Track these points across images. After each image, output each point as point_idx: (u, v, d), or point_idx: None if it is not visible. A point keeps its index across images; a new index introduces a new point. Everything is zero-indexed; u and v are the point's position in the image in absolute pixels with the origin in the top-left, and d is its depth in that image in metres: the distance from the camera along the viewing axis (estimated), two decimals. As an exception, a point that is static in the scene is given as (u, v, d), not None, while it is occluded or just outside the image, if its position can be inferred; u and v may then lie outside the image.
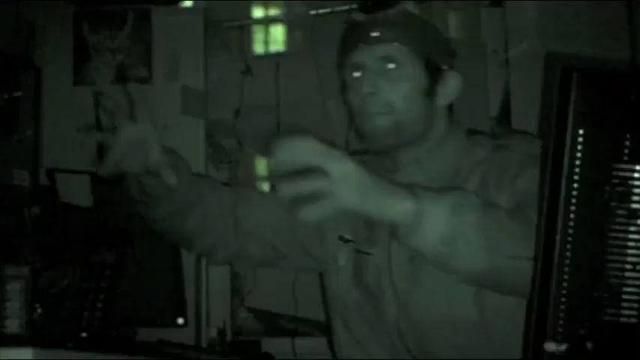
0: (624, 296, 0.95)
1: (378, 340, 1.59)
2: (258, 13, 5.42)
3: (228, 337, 3.55)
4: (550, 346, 0.94)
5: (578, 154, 0.94)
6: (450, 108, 1.62)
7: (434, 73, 1.56)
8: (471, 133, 1.65)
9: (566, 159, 0.94)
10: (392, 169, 1.59)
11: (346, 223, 1.64)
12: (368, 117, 1.53)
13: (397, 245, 1.51)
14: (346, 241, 1.63)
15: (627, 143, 0.95)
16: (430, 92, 1.56)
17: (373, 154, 1.62)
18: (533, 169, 1.42)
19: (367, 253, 1.59)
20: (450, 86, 1.58)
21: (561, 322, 0.94)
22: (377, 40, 1.53)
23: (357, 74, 1.56)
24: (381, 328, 1.58)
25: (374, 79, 1.52)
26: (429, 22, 1.61)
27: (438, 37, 1.59)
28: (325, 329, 3.30)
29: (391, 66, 1.53)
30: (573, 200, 0.94)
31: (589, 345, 0.94)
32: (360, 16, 1.57)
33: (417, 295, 1.52)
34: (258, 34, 5.05)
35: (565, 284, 0.95)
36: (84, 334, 1.92)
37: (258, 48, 5.12)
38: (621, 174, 0.95)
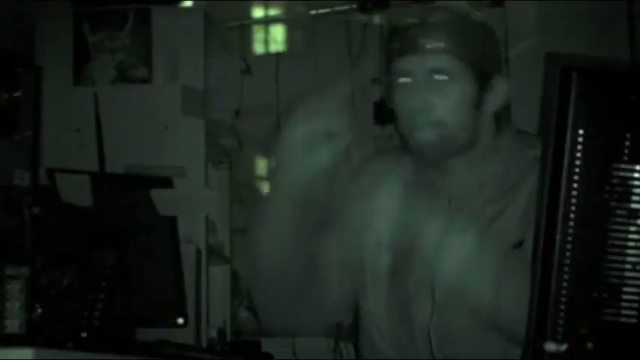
0: (624, 296, 0.95)
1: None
2: (258, 13, 5.42)
3: (228, 337, 3.56)
4: (550, 346, 0.94)
5: (578, 154, 0.94)
6: (499, 114, 1.57)
7: (484, 83, 1.52)
8: (520, 132, 1.63)
9: (566, 159, 0.94)
10: (442, 172, 1.57)
11: (383, 228, 1.62)
12: (415, 129, 1.50)
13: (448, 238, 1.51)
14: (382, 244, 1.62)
15: (627, 143, 0.95)
16: (479, 102, 1.52)
17: (417, 164, 1.60)
18: None
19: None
20: (500, 94, 1.54)
21: (561, 322, 0.94)
22: (428, 50, 1.48)
23: (404, 80, 1.51)
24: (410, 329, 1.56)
25: (424, 92, 1.48)
26: (482, 27, 1.55)
27: (490, 45, 1.55)
28: (327, 330, 3.31)
29: (442, 78, 1.48)
30: (573, 200, 0.94)
31: (589, 345, 0.94)
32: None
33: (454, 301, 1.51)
34: (258, 34, 5.05)
35: (565, 284, 0.95)
36: (84, 334, 1.92)
37: (258, 48, 5.12)
38: (621, 174, 0.95)
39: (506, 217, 1.51)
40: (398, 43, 1.53)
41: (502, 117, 1.59)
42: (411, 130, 1.51)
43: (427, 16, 1.51)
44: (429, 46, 1.48)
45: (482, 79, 1.51)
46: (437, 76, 1.48)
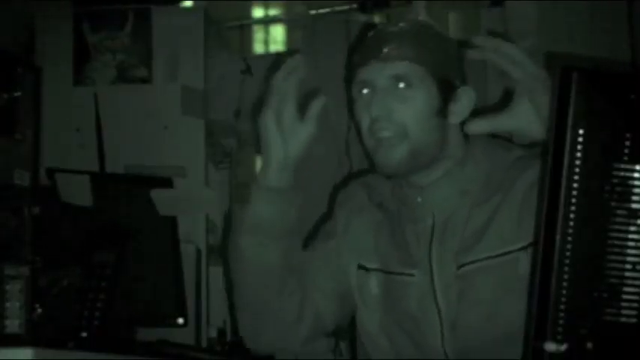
0: (624, 296, 0.95)
1: None
2: (258, 13, 5.41)
3: (228, 337, 3.55)
4: (550, 346, 0.94)
5: (578, 154, 0.94)
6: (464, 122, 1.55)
7: (447, 92, 1.50)
8: (492, 138, 1.60)
9: (566, 159, 0.94)
10: (420, 188, 1.54)
11: (371, 252, 1.60)
12: (380, 144, 1.47)
13: (440, 263, 1.48)
14: (368, 270, 1.59)
15: (627, 143, 0.95)
16: (444, 111, 1.50)
17: (387, 178, 1.57)
18: None
19: (409, 275, 1.54)
20: (464, 103, 1.52)
21: (561, 322, 0.94)
22: (388, 57, 1.46)
23: (365, 91, 1.49)
24: (422, 351, 1.53)
25: (384, 99, 1.46)
26: (444, 37, 1.54)
27: (452, 53, 1.52)
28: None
29: (402, 85, 1.46)
30: (573, 200, 0.94)
31: (589, 345, 0.95)
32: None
33: (464, 313, 1.48)
34: (258, 34, 5.05)
35: (565, 284, 0.95)
36: (84, 334, 1.92)
37: (258, 48, 5.12)
38: (621, 174, 0.95)
39: (500, 221, 1.49)
40: (358, 56, 1.51)
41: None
42: (375, 142, 1.48)
43: (387, 27, 1.50)
44: (388, 52, 1.45)
45: (446, 89, 1.49)
46: (398, 84, 1.46)
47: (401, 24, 1.51)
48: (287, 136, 1.50)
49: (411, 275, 1.53)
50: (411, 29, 1.49)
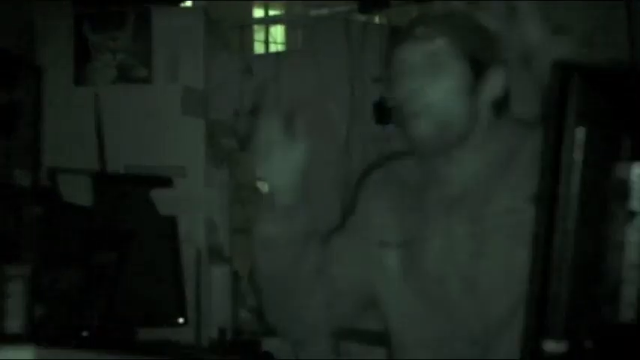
0: (624, 296, 0.95)
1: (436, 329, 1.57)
2: (258, 13, 5.42)
3: (228, 337, 3.56)
4: (550, 346, 0.94)
5: (578, 154, 0.94)
6: (499, 103, 1.59)
7: (478, 70, 1.54)
8: (519, 120, 1.65)
9: (565, 158, 0.94)
10: (446, 160, 1.58)
11: (391, 226, 1.62)
12: (408, 118, 1.52)
13: (456, 222, 1.52)
14: (388, 243, 1.62)
15: (626, 142, 0.95)
16: (474, 89, 1.55)
17: (419, 157, 1.61)
18: None
19: (427, 239, 1.56)
20: (495, 82, 1.56)
21: (561, 321, 0.95)
22: (422, 35, 1.52)
23: (401, 69, 1.55)
24: (443, 320, 1.57)
25: (417, 76, 1.52)
26: (475, 20, 1.59)
27: (483, 34, 1.58)
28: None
29: (435, 62, 1.52)
30: (572, 200, 0.94)
31: (588, 344, 0.95)
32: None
33: (483, 273, 1.51)
34: (258, 34, 5.05)
35: (564, 284, 0.95)
36: (85, 334, 1.92)
37: (258, 48, 5.12)
38: (621, 174, 0.95)
39: (512, 184, 1.53)
40: (395, 36, 1.59)
41: (501, 107, 1.60)
42: (407, 119, 1.53)
43: (423, 10, 1.59)
44: (422, 31, 1.53)
45: (478, 68, 1.54)
46: (430, 61, 1.52)
47: (436, 8, 1.59)
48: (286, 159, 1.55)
49: (429, 240, 1.56)
50: (445, 12, 1.58)
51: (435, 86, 1.52)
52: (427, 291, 1.58)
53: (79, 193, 2.36)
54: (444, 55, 1.52)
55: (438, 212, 1.58)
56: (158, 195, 2.49)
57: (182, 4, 3.97)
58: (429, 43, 1.52)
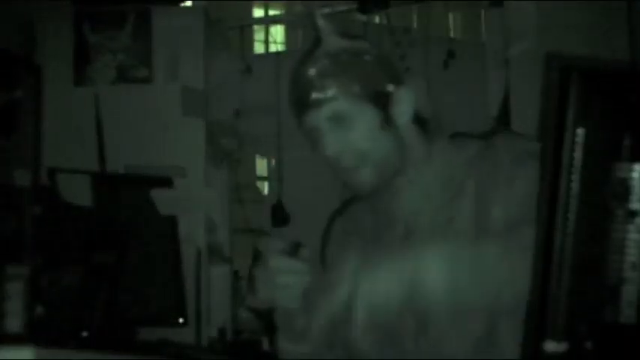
0: (624, 296, 0.95)
1: None
2: (258, 13, 5.42)
3: (228, 337, 3.56)
4: (550, 346, 0.94)
5: (577, 154, 0.94)
6: (419, 118, 1.59)
7: (383, 102, 1.54)
8: (454, 135, 1.64)
9: (565, 159, 0.94)
10: (389, 198, 1.59)
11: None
12: (346, 173, 1.55)
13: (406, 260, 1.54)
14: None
15: (626, 143, 0.95)
16: (387, 120, 1.55)
17: (365, 200, 1.63)
18: (527, 168, 1.43)
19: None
20: (403, 104, 1.56)
21: (561, 321, 0.95)
22: (319, 102, 1.53)
23: (316, 135, 1.56)
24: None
25: (332, 138, 1.54)
26: (359, 51, 1.57)
27: (372, 64, 1.57)
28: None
29: (341, 121, 1.53)
30: (572, 200, 0.94)
31: (588, 344, 0.95)
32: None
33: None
34: (258, 34, 5.05)
35: (565, 284, 0.95)
36: (84, 334, 1.92)
37: (258, 48, 5.12)
38: (621, 174, 0.95)
39: (462, 214, 1.53)
40: (295, 105, 1.59)
41: (426, 122, 1.61)
42: (342, 171, 1.55)
43: (305, 70, 1.56)
44: (316, 99, 1.54)
45: (382, 100, 1.54)
46: (337, 120, 1.53)
47: (317, 63, 1.56)
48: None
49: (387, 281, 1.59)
50: (328, 65, 1.56)
51: (354, 135, 1.53)
52: (386, 329, 1.59)
53: (78, 193, 2.36)
54: (346, 109, 1.53)
55: (391, 253, 1.58)
56: (158, 195, 2.49)
57: (182, 4, 3.97)
58: (327, 105, 1.53)
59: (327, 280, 1.68)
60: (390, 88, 1.56)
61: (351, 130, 1.53)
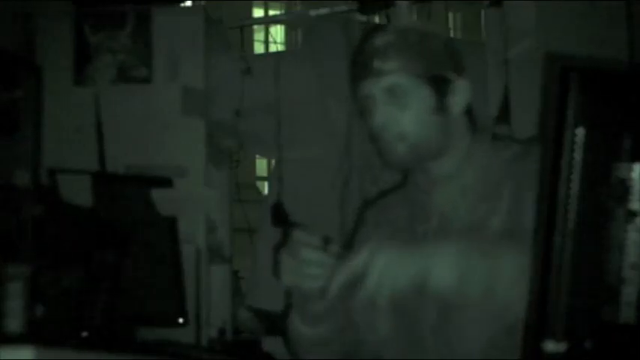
0: (624, 296, 0.95)
1: None
2: (258, 13, 5.42)
3: (228, 337, 3.56)
4: (549, 346, 0.94)
5: (577, 154, 0.94)
6: (470, 112, 1.61)
7: (441, 87, 1.56)
8: (494, 137, 1.66)
9: (565, 159, 0.94)
10: (426, 189, 1.61)
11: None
12: (385, 144, 1.57)
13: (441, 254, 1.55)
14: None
15: (626, 143, 0.95)
16: (441, 107, 1.57)
17: (402, 174, 1.65)
18: None
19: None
20: (460, 94, 1.58)
21: (561, 321, 0.95)
22: (379, 71, 1.55)
23: (367, 105, 1.59)
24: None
25: (383, 111, 1.56)
26: (430, 36, 1.60)
27: (440, 51, 1.59)
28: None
29: (397, 94, 1.55)
30: (572, 200, 0.94)
31: (588, 344, 0.95)
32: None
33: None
34: (258, 34, 5.06)
35: (565, 284, 0.95)
36: (85, 334, 1.93)
37: (258, 48, 5.13)
38: (621, 174, 0.95)
39: (495, 215, 1.53)
40: (354, 71, 1.61)
41: (475, 119, 1.63)
42: (381, 143, 1.58)
43: (375, 40, 1.58)
44: (378, 67, 1.55)
45: (441, 85, 1.57)
46: (393, 93, 1.55)
47: (386, 36, 1.58)
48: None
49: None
50: (396, 39, 1.57)
51: (404, 115, 1.55)
52: (407, 316, 1.59)
53: (79, 193, 2.36)
54: (405, 84, 1.55)
55: (422, 245, 1.57)
56: (158, 195, 2.49)
57: (182, 4, 3.97)
58: (387, 76, 1.55)
59: (350, 266, 1.67)
60: (452, 76, 1.58)
61: (404, 107, 1.55)
